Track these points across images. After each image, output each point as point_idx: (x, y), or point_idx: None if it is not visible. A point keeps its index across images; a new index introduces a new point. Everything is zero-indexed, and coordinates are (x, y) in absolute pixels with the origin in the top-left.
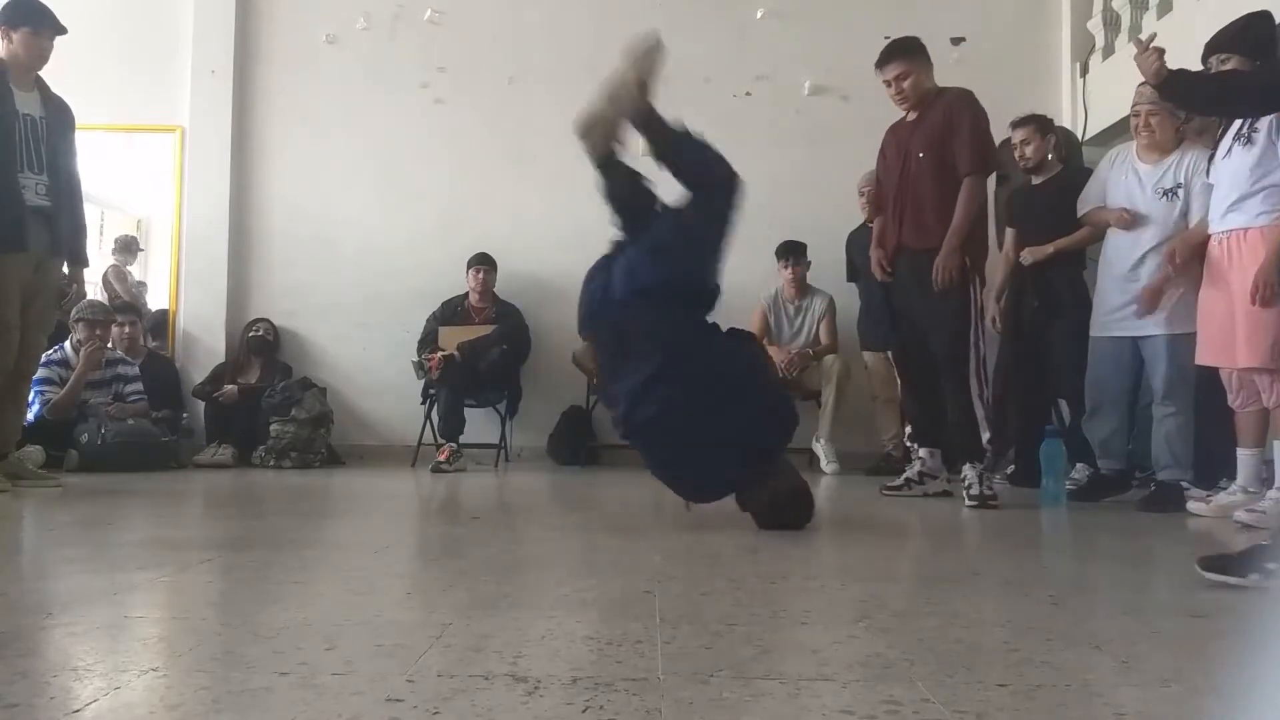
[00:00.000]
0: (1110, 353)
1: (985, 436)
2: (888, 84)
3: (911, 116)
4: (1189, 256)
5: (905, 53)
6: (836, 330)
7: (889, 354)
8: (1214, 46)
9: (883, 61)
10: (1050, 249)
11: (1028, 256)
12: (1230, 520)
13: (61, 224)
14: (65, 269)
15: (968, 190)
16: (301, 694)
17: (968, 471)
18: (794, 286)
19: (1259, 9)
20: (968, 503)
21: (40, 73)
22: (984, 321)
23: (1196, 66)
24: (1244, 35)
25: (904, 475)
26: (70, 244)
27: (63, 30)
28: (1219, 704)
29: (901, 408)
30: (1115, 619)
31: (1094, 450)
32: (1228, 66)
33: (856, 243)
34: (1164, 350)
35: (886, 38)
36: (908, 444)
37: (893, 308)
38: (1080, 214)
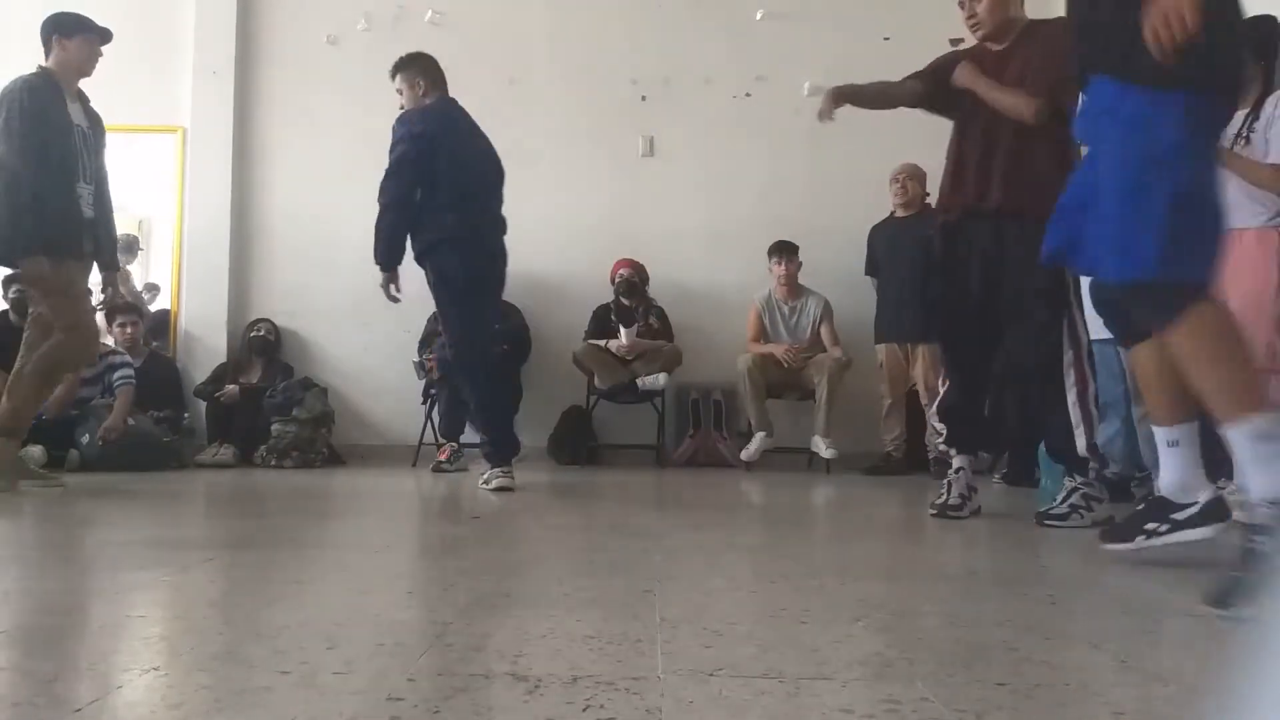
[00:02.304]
0: (1100, 355)
1: (1083, 443)
2: (961, 6)
3: (996, 47)
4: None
5: None
6: (837, 333)
7: (905, 349)
8: None
9: None
10: None
11: None
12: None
13: (101, 233)
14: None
15: (1023, 99)
16: (302, 693)
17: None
18: (785, 286)
19: (1264, 13)
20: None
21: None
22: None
23: None
24: (1250, 35)
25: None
26: (107, 252)
27: (109, 38)
28: (1217, 703)
29: (940, 404)
30: (1114, 618)
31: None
32: None
33: (880, 235)
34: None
35: (886, 38)
36: (941, 447)
37: (955, 285)
38: None
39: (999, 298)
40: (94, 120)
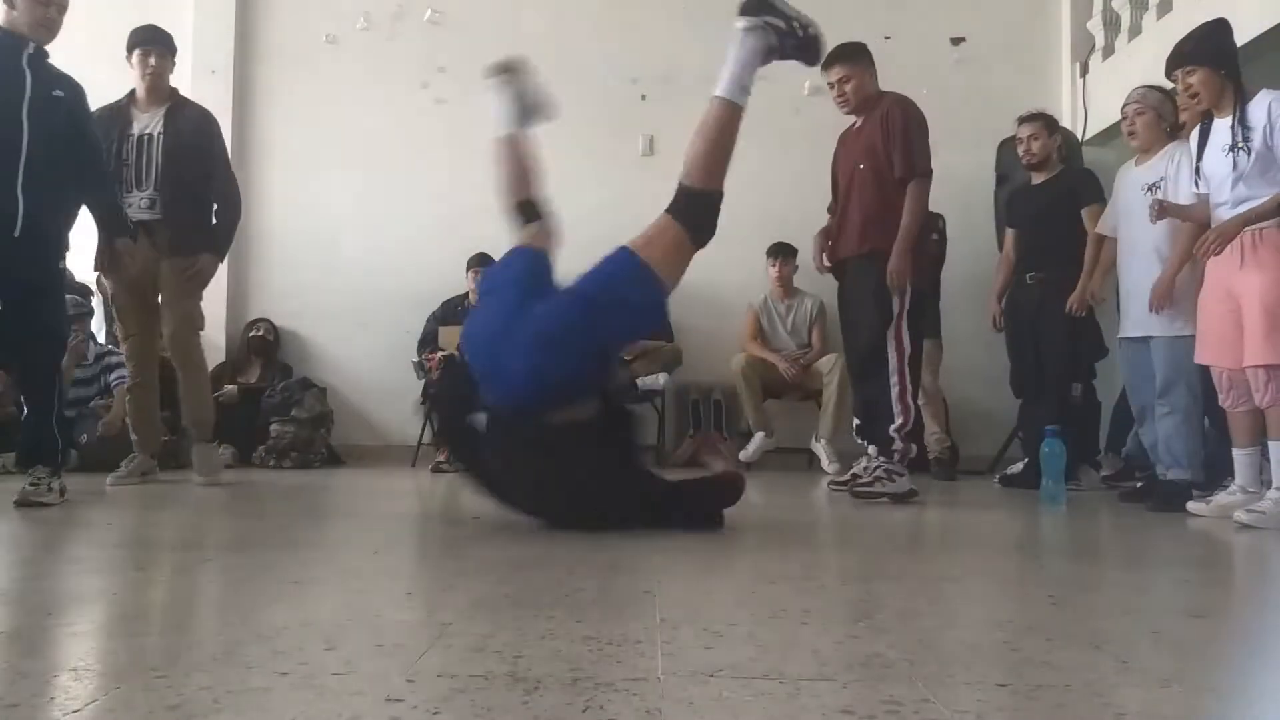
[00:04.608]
0: (1134, 355)
1: (895, 425)
2: (831, 86)
3: (857, 124)
4: (1186, 258)
5: (849, 57)
6: (827, 334)
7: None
8: (1176, 61)
9: (827, 64)
10: (1095, 288)
11: (1081, 311)
12: (1230, 520)
13: (169, 229)
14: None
15: (914, 194)
16: (302, 694)
17: (866, 458)
18: (781, 286)
19: (1216, 17)
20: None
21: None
22: (905, 322)
23: None
24: (1204, 46)
25: (850, 470)
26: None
27: (172, 48)
28: (1219, 704)
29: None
30: (1115, 619)
31: (1149, 456)
32: (1193, 79)
33: None
34: (1162, 351)
35: (887, 38)
36: (857, 440)
37: (840, 308)
38: (1096, 230)
39: (858, 310)
40: (181, 122)
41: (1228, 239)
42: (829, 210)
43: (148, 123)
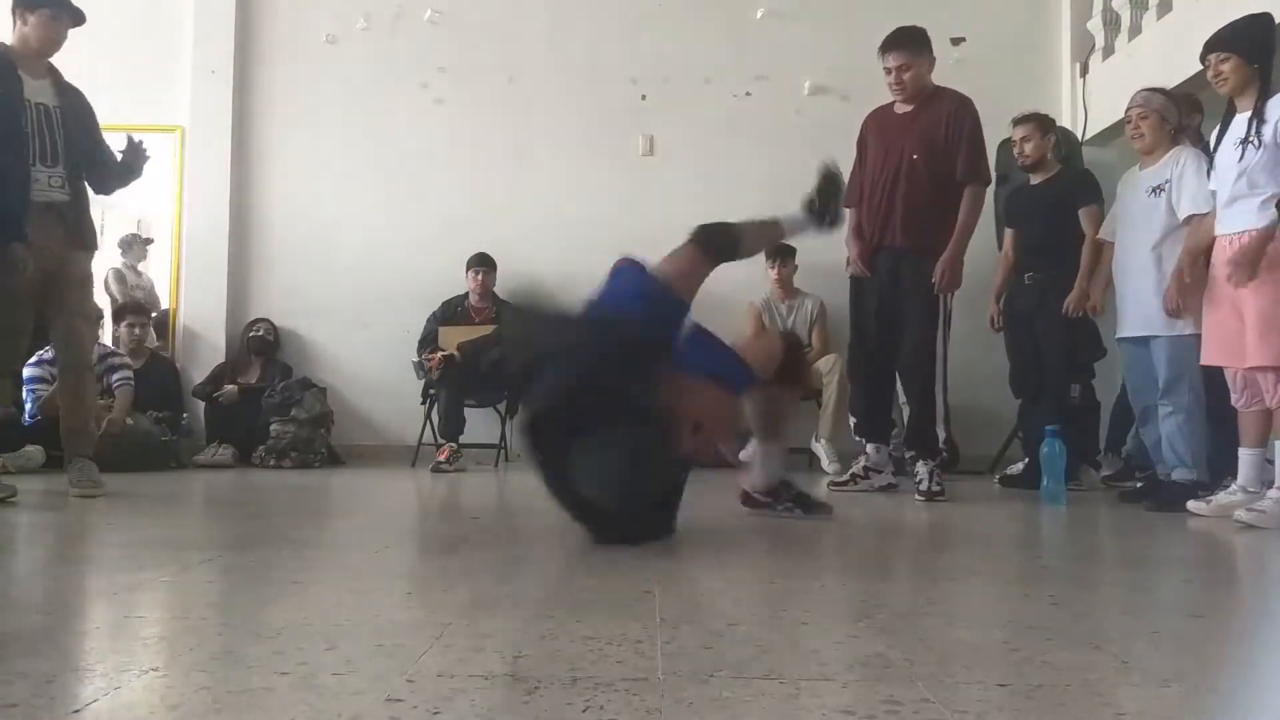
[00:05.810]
0: (1135, 356)
1: (942, 436)
2: (888, 70)
3: (902, 109)
4: (1194, 262)
5: (911, 44)
6: (828, 334)
7: None
8: (1213, 45)
9: (887, 47)
10: (1095, 303)
11: (1078, 312)
12: (1231, 520)
13: (79, 215)
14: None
15: (972, 199)
16: (302, 694)
17: (920, 468)
18: (781, 287)
19: (1260, 10)
20: (917, 497)
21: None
22: (949, 326)
23: (1195, 66)
24: (1244, 36)
25: (850, 470)
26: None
27: (81, 20)
28: (1218, 704)
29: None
30: (1115, 619)
31: (1150, 456)
32: (1225, 66)
33: None
34: (1164, 350)
35: None
36: (856, 439)
37: (859, 304)
38: (1098, 236)
39: (907, 309)
40: (71, 97)
41: (1254, 261)
42: (852, 196)
43: (38, 91)
